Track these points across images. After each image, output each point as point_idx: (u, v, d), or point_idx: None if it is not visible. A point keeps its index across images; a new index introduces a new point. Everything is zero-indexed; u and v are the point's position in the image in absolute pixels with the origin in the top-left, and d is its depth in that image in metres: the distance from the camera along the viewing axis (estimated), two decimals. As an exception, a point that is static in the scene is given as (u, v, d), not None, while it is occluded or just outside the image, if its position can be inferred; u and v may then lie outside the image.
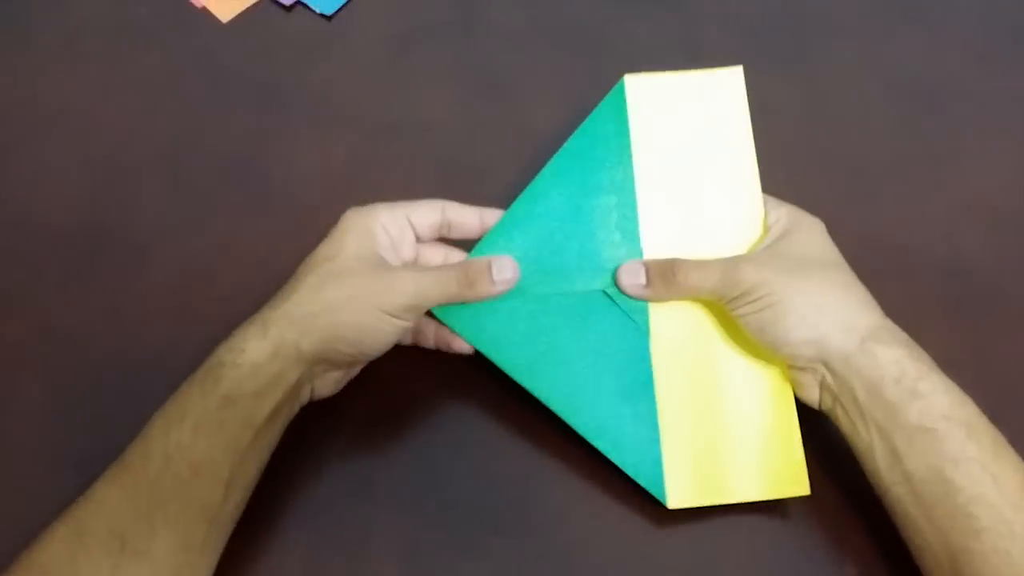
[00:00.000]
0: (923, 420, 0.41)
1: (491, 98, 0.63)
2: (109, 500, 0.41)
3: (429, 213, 0.48)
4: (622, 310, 0.48)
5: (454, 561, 0.48)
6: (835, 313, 0.44)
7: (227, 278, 0.56)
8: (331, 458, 0.50)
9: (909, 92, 0.63)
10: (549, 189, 0.49)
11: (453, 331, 0.49)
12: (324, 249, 0.46)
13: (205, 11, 0.67)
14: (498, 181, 0.57)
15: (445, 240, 0.50)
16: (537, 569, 0.48)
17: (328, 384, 0.47)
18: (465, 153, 0.61)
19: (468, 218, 0.49)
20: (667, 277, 0.47)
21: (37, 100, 0.63)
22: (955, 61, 0.64)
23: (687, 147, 0.50)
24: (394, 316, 0.44)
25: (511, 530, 0.49)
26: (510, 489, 0.50)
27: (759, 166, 0.49)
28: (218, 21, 0.67)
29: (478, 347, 0.48)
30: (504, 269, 0.47)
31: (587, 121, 0.50)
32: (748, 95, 0.50)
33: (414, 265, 0.49)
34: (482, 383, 0.52)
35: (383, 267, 0.46)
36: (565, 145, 0.50)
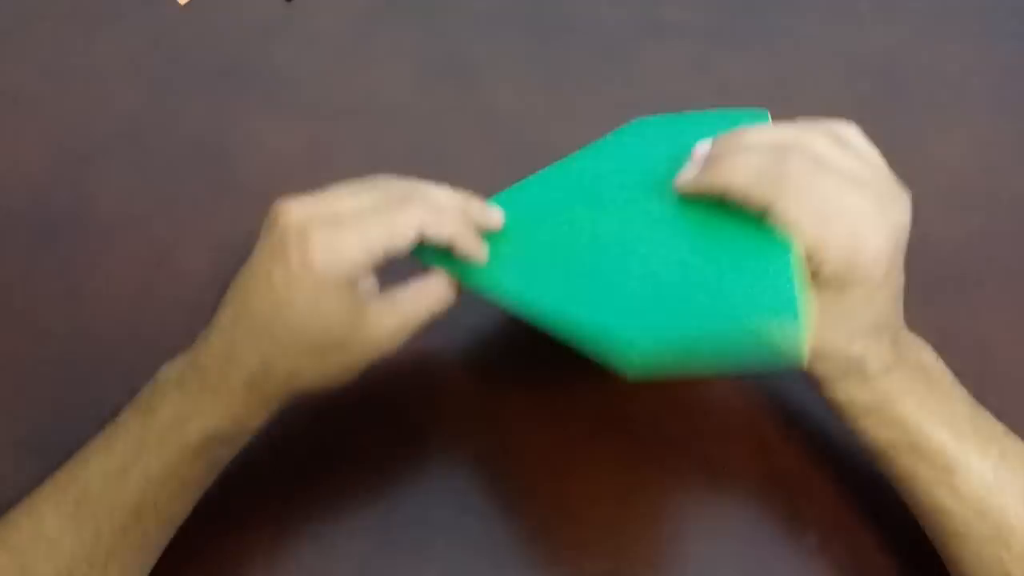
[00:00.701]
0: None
1: (456, 80, 0.63)
2: (64, 544, 0.40)
3: (405, 235, 0.40)
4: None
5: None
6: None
7: (187, 262, 0.56)
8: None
9: (871, 71, 0.63)
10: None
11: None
12: (297, 317, 0.38)
13: (161, -9, 0.66)
14: (463, 165, 0.58)
15: None
16: None
17: None
18: (430, 136, 0.60)
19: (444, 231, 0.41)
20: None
21: (-10, 84, 0.62)
22: (917, 40, 0.64)
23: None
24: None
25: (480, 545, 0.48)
26: (481, 503, 0.49)
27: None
28: (175, 2, 0.65)
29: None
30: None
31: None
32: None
33: (386, 297, 0.42)
34: (449, 397, 0.52)
35: (357, 326, 0.40)
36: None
